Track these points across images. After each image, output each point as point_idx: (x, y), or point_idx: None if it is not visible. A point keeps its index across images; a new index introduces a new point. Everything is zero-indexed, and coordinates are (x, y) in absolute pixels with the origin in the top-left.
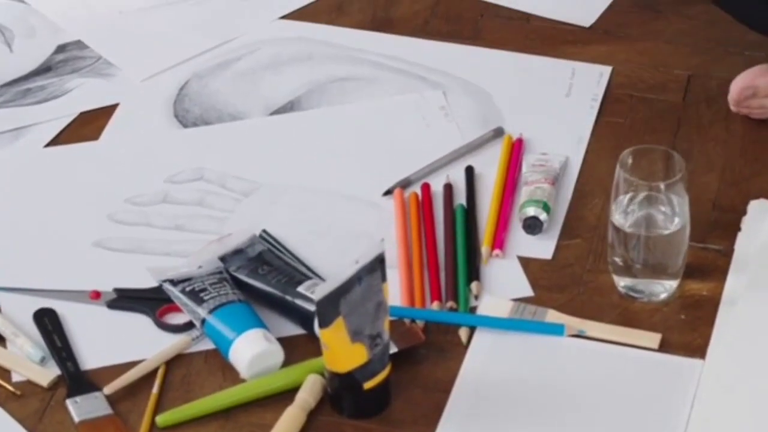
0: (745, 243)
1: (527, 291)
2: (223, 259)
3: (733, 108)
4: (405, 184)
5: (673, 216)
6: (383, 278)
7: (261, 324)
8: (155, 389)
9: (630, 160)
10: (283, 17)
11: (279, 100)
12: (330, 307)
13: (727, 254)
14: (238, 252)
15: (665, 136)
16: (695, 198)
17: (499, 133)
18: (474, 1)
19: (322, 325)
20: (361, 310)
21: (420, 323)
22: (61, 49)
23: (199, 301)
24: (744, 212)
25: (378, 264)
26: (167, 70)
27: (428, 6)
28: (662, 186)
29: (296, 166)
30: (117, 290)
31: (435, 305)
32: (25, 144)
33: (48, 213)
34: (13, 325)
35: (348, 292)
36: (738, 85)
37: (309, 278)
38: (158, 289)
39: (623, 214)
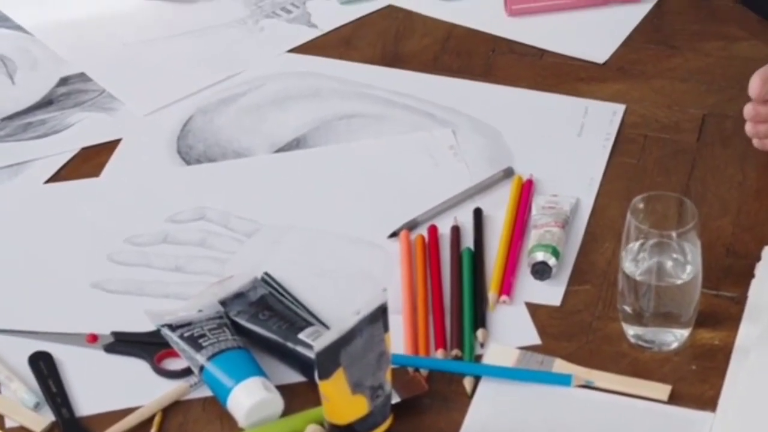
0: (759, 290)
1: (534, 339)
2: (223, 302)
3: (750, 114)
4: (411, 225)
5: (685, 264)
6: (386, 328)
7: (260, 372)
8: None
9: (641, 207)
10: (291, 51)
11: (284, 137)
12: (330, 358)
13: (740, 302)
14: (239, 296)
15: (678, 177)
16: (708, 243)
17: (508, 173)
18: (486, 36)
19: (321, 377)
20: (363, 361)
21: (423, 372)
22: (63, 81)
23: (198, 348)
24: (758, 258)
25: (380, 314)
26: (171, 105)
27: (439, 41)
28: (674, 234)
29: (300, 205)
30: (114, 334)
31: (439, 353)
32: (25, 180)
33: (46, 252)
34: (7, 368)
35: (349, 343)
36: (761, 76)
37: (311, 324)
38: (156, 333)
39: (634, 261)
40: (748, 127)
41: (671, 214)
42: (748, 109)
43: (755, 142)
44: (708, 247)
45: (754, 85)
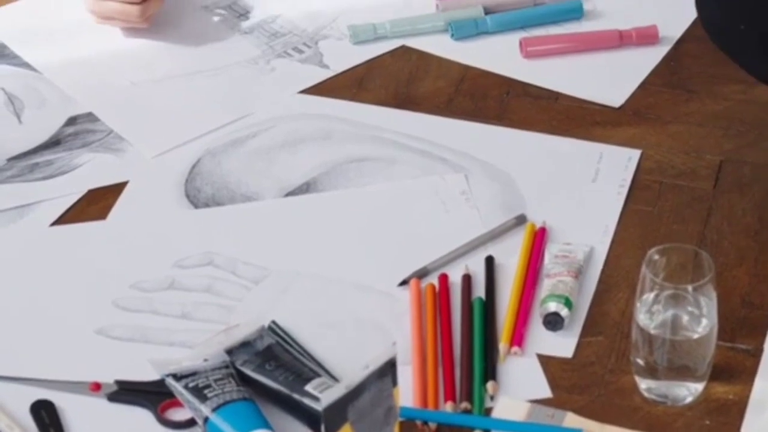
0: None
1: (546, 392)
2: (229, 351)
3: None
4: (422, 274)
5: (701, 317)
6: (394, 383)
7: (266, 424)
8: None
9: (656, 259)
10: (302, 92)
11: (294, 181)
12: (337, 413)
13: (756, 354)
14: (245, 345)
15: (694, 226)
16: (724, 293)
17: (521, 220)
18: (500, 78)
19: None
20: (370, 416)
21: (432, 425)
22: (71, 121)
23: (203, 398)
24: None
25: (389, 368)
26: (179, 147)
27: (452, 83)
28: (690, 288)
29: (309, 251)
30: (118, 382)
31: (449, 406)
32: (31, 222)
33: (50, 296)
34: (8, 417)
35: (356, 398)
36: None
37: (318, 375)
38: (161, 383)
39: (648, 314)
40: None
41: (687, 265)
42: None
43: None
44: (723, 298)
45: None
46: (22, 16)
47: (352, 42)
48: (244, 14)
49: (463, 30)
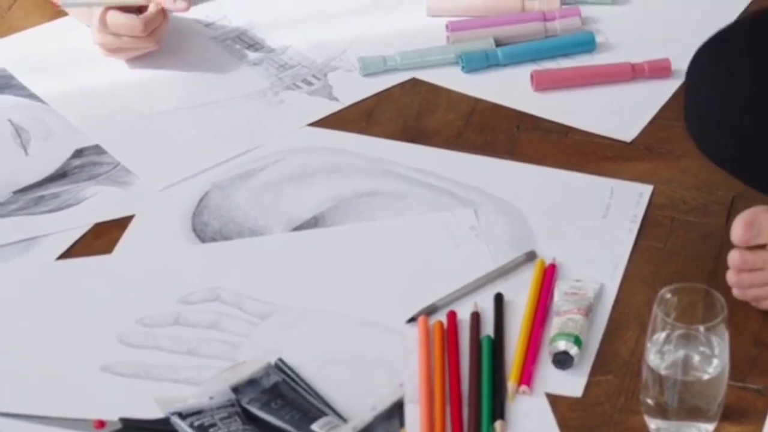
0: None
1: (554, 431)
2: (235, 389)
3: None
4: (430, 310)
5: (712, 357)
6: (401, 424)
7: None
8: None
9: (668, 298)
10: (311, 124)
11: (302, 215)
12: None
13: (767, 394)
14: (251, 382)
15: (706, 263)
16: (735, 332)
17: (531, 257)
18: (510, 111)
19: None
20: None
21: None
22: (78, 153)
23: None
24: None
25: (396, 410)
26: (187, 180)
27: (462, 116)
28: (702, 329)
29: (317, 286)
30: (123, 420)
31: None
32: (37, 256)
33: (55, 332)
34: None
35: None
36: (743, 221)
37: (325, 414)
38: (166, 421)
39: (659, 354)
40: (731, 275)
41: (698, 304)
42: (733, 257)
43: (735, 292)
44: (735, 337)
45: (738, 230)
46: (29, 45)
47: (361, 74)
48: (254, 45)
49: (473, 62)
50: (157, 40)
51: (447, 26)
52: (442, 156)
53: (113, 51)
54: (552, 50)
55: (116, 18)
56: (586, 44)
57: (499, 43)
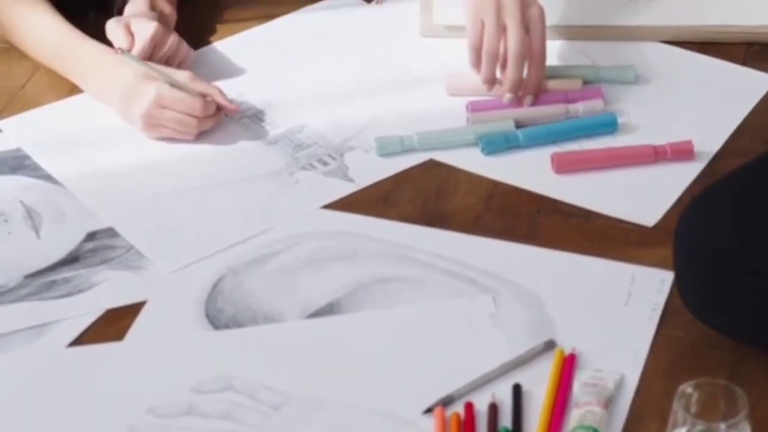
0: None
1: None
2: None
3: None
4: (447, 401)
5: None
6: None
7: None
8: None
9: (689, 393)
10: (326, 206)
11: (318, 302)
12: None
13: None
14: None
15: (728, 354)
16: (757, 424)
17: (550, 346)
18: (531, 195)
19: None
20: None
21: None
22: (90, 237)
23: None
24: None
25: None
26: (200, 262)
27: (482, 199)
28: (723, 426)
29: (332, 375)
30: None
31: None
32: (48, 342)
33: (66, 422)
34: None
35: None
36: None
37: None
38: None
39: None
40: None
41: (720, 400)
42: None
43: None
44: (756, 429)
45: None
46: (43, 123)
47: (378, 154)
48: (270, 124)
49: (493, 144)
50: (201, 128)
51: (467, 107)
52: (460, 240)
53: (155, 126)
54: (573, 132)
55: (177, 92)
56: (609, 125)
57: (519, 125)
